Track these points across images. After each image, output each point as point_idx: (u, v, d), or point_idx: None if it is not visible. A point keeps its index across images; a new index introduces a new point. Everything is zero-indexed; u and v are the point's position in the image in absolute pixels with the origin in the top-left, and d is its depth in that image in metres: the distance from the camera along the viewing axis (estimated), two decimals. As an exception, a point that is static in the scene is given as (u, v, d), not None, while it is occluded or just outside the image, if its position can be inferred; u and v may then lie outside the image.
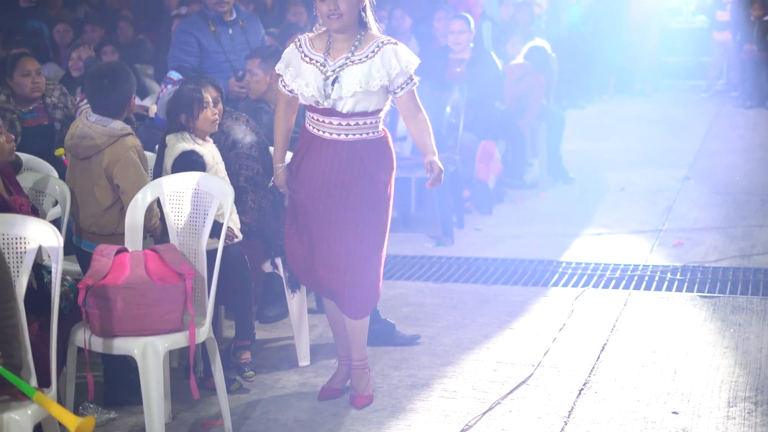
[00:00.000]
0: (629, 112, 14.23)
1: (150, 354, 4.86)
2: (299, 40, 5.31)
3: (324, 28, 5.27)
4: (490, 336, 6.39)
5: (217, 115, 5.80)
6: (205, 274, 5.25)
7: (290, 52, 5.31)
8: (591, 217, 9.11)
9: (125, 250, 5.06)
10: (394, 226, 5.94)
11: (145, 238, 5.41)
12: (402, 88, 5.20)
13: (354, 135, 5.22)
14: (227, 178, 5.74)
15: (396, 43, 5.19)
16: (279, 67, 5.34)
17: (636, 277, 7.39)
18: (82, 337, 4.93)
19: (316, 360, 6.08)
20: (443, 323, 6.66)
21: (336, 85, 5.13)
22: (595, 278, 7.41)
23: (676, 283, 7.24)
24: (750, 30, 14.36)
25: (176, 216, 5.40)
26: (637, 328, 6.46)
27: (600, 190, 10.04)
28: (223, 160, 5.89)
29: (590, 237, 8.51)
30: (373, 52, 5.16)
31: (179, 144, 5.68)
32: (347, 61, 5.15)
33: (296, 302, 6.02)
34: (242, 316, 5.86)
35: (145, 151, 5.56)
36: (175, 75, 7.25)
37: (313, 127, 5.28)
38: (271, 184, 5.91)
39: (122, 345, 4.89)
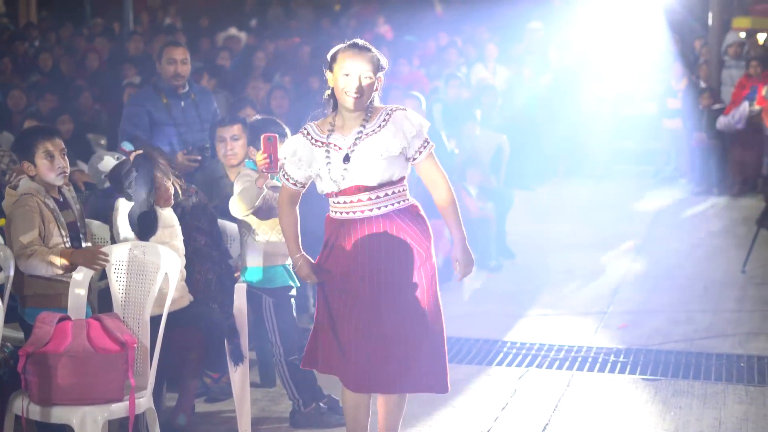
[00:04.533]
0: (578, 195, 14.35)
1: (89, 424, 4.84)
2: (305, 129, 5.04)
3: (330, 114, 5.05)
4: (432, 414, 6.40)
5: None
6: (148, 343, 5.24)
7: (296, 140, 5.04)
8: (537, 298, 9.16)
9: (68, 318, 5.05)
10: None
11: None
12: (420, 152, 5.00)
13: (386, 207, 4.97)
14: (181, 243, 5.84)
15: (404, 109, 5.03)
16: (283, 155, 5.08)
17: (579, 359, 7.42)
18: (20, 404, 4.91)
19: (257, 433, 6.06)
20: (386, 400, 6.64)
21: (349, 163, 4.90)
22: (539, 358, 7.44)
23: (619, 365, 7.28)
24: (699, 118, 14.60)
25: (120, 285, 5.40)
26: (579, 409, 6.49)
27: (547, 272, 10.09)
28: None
29: (535, 317, 8.56)
30: (384, 120, 4.95)
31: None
32: (361, 135, 4.94)
33: (239, 375, 6.00)
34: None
35: (95, 220, 5.57)
36: (127, 146, 7.33)
37: (341, 213, 4.99)
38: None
39: (61, 414, 4.87)
